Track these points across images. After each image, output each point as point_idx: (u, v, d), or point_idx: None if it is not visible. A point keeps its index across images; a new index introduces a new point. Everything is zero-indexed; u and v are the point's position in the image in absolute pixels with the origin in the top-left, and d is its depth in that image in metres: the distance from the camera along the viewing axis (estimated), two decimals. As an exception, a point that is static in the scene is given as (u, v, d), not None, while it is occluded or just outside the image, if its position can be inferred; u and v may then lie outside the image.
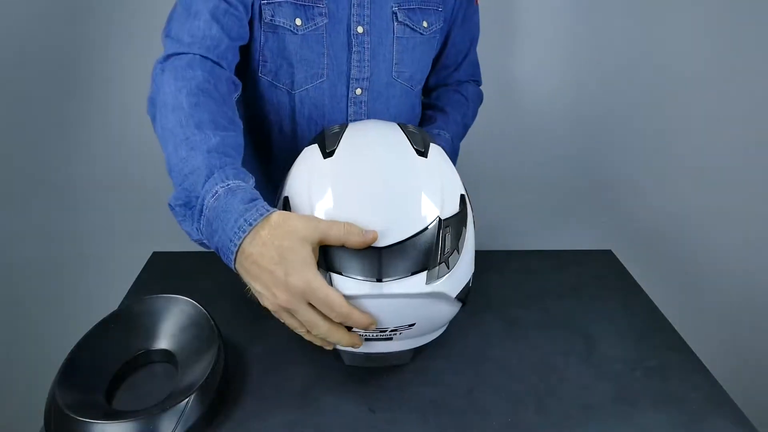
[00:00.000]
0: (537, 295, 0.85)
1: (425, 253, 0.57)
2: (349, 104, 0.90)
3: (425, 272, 0.56)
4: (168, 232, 1.38)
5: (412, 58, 0.91)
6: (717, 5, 1.22)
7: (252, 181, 0.62)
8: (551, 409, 0.64)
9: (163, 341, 0.68)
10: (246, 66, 0.85)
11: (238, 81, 0.77)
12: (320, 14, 0.83)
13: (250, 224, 0.55)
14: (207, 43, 0.72)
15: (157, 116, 0.66)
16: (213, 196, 0.58)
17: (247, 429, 0.61)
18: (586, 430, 0.62)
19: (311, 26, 0.84)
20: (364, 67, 0.88)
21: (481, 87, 1.09)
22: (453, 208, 0.61)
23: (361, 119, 0.91)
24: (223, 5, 0.74)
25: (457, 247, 0.60)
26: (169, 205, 0.62)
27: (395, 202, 0.59)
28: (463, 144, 0.99)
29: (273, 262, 0.54)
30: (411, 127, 0.68)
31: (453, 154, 0.94)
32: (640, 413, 0.64)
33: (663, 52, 1.27)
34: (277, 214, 0.56)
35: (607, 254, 0.98)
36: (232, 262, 0.57)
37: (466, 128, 1.01)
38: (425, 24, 0.90)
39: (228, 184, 0.58)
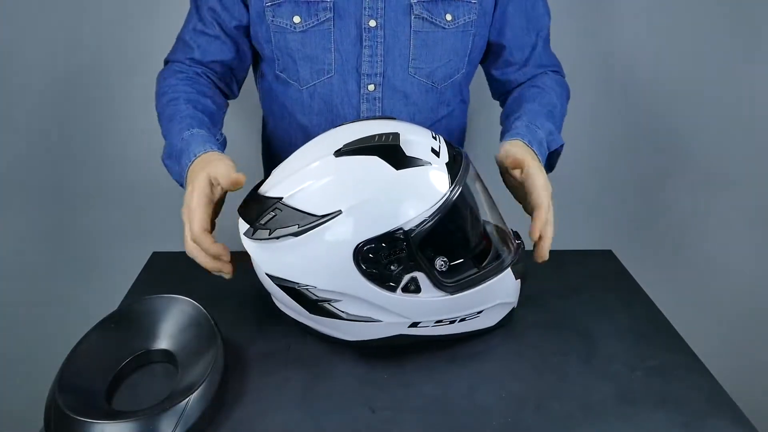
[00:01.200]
0: (537, 295, 0.84)
1: (257, 212, 0.64)
2: (361, 101, 0.88)
3: (250, 228, 0.65)
4: (168, 232, 1.38)
5: (433, 54, 0.87)
6: (721, 6, 1.22)
7: (214, 129, 0.81)
8: (551, 409, 0.64)
9: (163, 341, 0.69)
10: (268, 65, 0.92)
11: (214, 77, 0.91)
12: (324, 9, 0.83)
13: (195, 155, 0.74)
14: (186, 54, 0.90)
15: (156, 103, 0.86)
16: (181, 139, 0.77)
17: (247, 429, 0.61)
18: (586, 430, 0.62)
19: (313, 22, 0.84)
20: (376, 62, 0.86)
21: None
22: (303, 205, 0.63)
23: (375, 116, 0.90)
24: (199, 25, 0.89)
25: (278, 227, 0.62)
26: (162, 160, 0.80)
27: (290, 173, 0.66)
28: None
29: (188, 183, 0.71)
30: (403, 137, 0.64)
31: (550, 136, 0.85)
32: (640, 413, 0.64)
33: (667, 52, 1.27)
34: (210, 153, 0.74)
35: (607, 254, 0.98)
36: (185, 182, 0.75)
37: (552, 115, 0.88)
38: (449, 17, 0.85)
39: (191, 132, 0.77)
